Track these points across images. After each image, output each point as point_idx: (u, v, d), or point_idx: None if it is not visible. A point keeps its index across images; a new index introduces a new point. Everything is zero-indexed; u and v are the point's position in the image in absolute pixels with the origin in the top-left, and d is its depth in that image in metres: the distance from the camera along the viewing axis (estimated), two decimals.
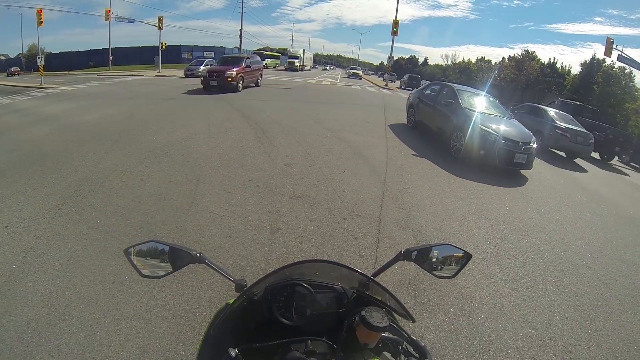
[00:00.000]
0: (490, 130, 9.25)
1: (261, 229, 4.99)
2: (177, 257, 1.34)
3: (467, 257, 1.51)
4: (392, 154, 9.44)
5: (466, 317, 3.77)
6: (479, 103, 10.97)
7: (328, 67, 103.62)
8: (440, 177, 8.20)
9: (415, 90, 15.13)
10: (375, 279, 1.35)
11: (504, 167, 9.14)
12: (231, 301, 1.25)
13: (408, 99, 14.48)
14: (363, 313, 1.06)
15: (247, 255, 4.34)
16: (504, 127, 9.54)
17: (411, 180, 7.63)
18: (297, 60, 58.77)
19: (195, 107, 13.81)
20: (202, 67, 29.66)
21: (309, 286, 1.22)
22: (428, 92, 13.08)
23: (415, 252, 1.46)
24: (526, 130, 10.15)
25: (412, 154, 9.79)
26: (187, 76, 30.96)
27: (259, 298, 1.25)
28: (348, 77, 52.52)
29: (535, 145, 9.54)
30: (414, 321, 1.28)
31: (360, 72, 60.30)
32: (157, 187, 5.98)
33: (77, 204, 5.23)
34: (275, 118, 12.57)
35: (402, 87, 45.01)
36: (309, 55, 73.17)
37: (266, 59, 50.00)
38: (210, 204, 5.57)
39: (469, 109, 10.33)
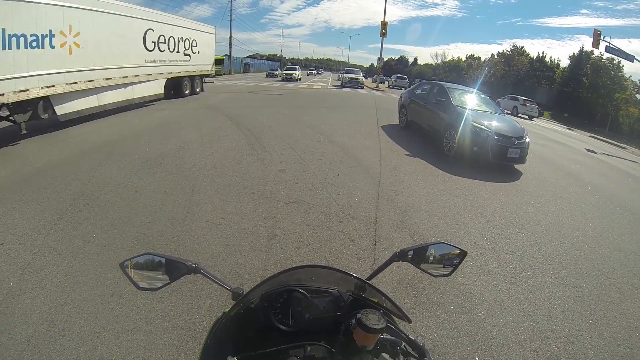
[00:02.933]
0: (482, 126, 9.29)
1: (258, 235, 4.97)
2: (173, 269, 1.34)
3: (463, 254, 1.50)
4: (386, 155, 9.47)
5: (466, 314, 3.77)
6: (470, 100, 11.02)
7: (314, 72, 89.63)
8: (434, 176, 8.22)
9: (406, 90, 15.22)
10: (371, 281, 1.36)
11: (497, 162, 9.18)
12: (228, 310, 1.25)
13: (400, 99, 14.50)
14: (359, 315, 1.07)
15: (244, 262, 4.32)
16: (496, 122, 9.58)
17: (405, 180, 7.64)
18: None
19: (187, 118, 13.73)
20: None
21: (304, 291, 1.22)
22: (419, 91, 13.13)
23: (410, 252, 1.45)
24: (518, 125, 10.19)
25: (406, 154, 9.84)
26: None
27: (255, 305, 1.25)
28: (343, 86, 37.83)
29: (527, 140, 9.59)
30: (409, 321, 1.27)
31: (361, 77, 40.26)
32: (152, 198, 5.94)
33: (72, 219, 5.17)
34: (268, 124, 12.55)
35: (390, 86, 45.46)
36: None
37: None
38: (206, 213, 5.53)
39: (460, 107, 10.38)
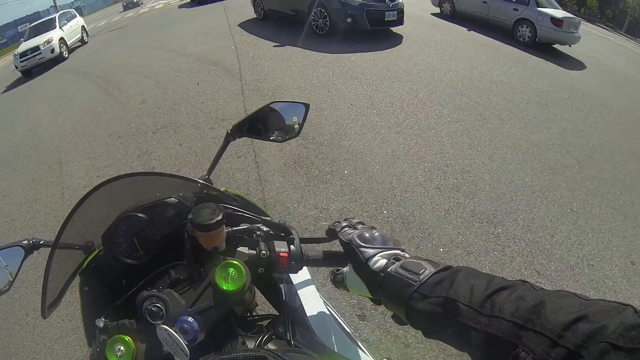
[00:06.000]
0: None
1: None
2: (11, 257, 1.10)
3: (305, 106, 1.30)
4: (248, 50, 8.86)
5: (362, 174, 3.63)
6: None
7: None
8: (306, 58, 7.74)
9: None
10: (214, 170, 1.23)
11: (377, 28, 8.72)
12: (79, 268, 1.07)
13: None
14: (190, 216, 0.88)
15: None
16: None
17: (271, 68, 7.21)
18: None
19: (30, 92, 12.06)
20: None
21: (142, 213, 1.04)
22: None
23: (243, 125, 1.23)
24: None
25: (274, 46, 8.97)
26: None
27: (103, 252, 1.05)
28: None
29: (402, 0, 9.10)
30: (265, 214, 1.08)
31: None
32: (21, 193, 5.18)
33: None
34: (116, 63, 11.23)
35: None
36: None
37: None
38: (81, 179, 4.94)
39: None
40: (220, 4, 17.48)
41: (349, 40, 8.50)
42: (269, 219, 1.01)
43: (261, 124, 1.27)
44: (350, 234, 0.81)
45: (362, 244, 0.76)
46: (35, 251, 1.10)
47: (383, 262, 0.72)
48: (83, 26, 17.90)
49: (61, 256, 0.99)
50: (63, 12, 17.41)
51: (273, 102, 1.26)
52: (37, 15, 58.62)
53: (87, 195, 0.98)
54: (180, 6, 22.10)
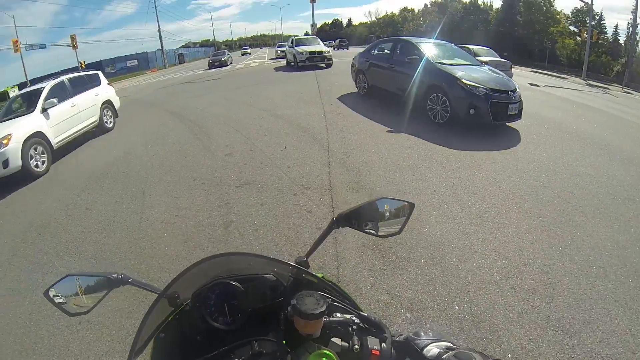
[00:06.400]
0: (476, 84, 7.80)
1: (214, 226, 4.74)
2: (99, 285, 1.19)
3: (410, 206, 1.31)
4: (336, 121, 9.16)
5: (438, 265, 3.66)
6: (445, 53, 9.53)
7: (248, 49, 75.30)
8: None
9: (358, 54, 12.88)
10: (313, 254, 1.26)
11: (498, 122, 7.98)
12: (162, 320, 1.11)
13: (352, 65, 12.86)
14: (294, 302, 0.94)
15: (205, 256, 4.05)
16: (487, 77, 8.30)
17: (358, 142, 7.44)
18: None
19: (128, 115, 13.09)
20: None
21: (237, 282, 1.07)
22: (377, 52, 11.59)
23: (348, 216, 1.26)
24: (503, 75, 8.91)
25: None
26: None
27: (190, 308, 1.09)
28: (298, 67, 22.31)
29: (519, 91, 8.31)
30: (354, 304, 1.12)
31: (324, 47, 23.50)
32: (103, 211, 5.61)
33: (26, 253, 4.78)
34: (209, 111, 12.09)
35: (336, 49, 44.38)
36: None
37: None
38: (160, 214, 5.27)
39: (440, 63, 8.77)
40: (313, 72, 18.17)
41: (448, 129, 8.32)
42: (365, 314, 1.03)
43: (365, 217, 1.28)
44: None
45: (416, 337, 0.87)
46: (121, 286, 1.19)
47: (436, 351, 0.80)
48: (109, 101, 11.43)
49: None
50: (74, 77, 10.50)
51: (380, 198, 1.29)
52: (144, 55, 64.22)
53: (200, 261, 1.08)
54: (277, 68, 22.93)
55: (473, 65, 9.23)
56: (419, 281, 3.45)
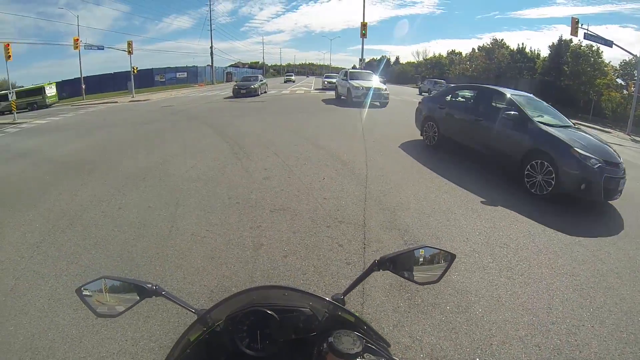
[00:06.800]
0: (589, 154, 6.65)
1: (244, 246, 4.83)
2: (132, 292, 1.24)
3: (451, 257, 1.35)
4: (376, 159, 9.21)
5: (464, 313, 3.64)
6: (536, 109, 8.43)
7: (292, 76, 69.88)
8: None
9: (428, 97, 12.16)
10: (350, 292, 1.28)
11: (607, 201, 6.99)
12: (193, 338, 1.12)
13: (419, 111, 11.51)
14: (331, 339, 0.96)
15: (230, 275, 4.17)
16: (594, 145, 7.15)
17: (396, 182, 7.49)
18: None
19: (171, 129, 13.57)
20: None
21: (273, 312, 1.09)
22: (452, 98, 10.42)
23: (390, 260, 1.31)
24: (605, 142, 7.87)
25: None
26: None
27: (221, 329, 1.12)
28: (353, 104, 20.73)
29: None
30: (389, 345, 1.16)
31: (380, 84, 22.56)
32: (135, 214, 5.83)
33: (55, 240, 5.05)
34: (251, 131, 12.45)
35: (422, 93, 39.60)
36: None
37: None
38: (191, 226, 5.41)
39: (544, 124, 7.62)
40: (363, 109, 18.27)
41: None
42: (396, 359, 1.07)
43: (406, 263, 1.32)
44: None
45: None
46: (154, 297, 1.24)
47: None
48: None
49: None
50: None
51: (424, 246, 1.33)
52: (194, 68, 66.63)
53: (248, 290, 1.14)
54: (325, 100, 23.14)
55: (568, 127, 8.00)
56: (443, 328, 3.44)
